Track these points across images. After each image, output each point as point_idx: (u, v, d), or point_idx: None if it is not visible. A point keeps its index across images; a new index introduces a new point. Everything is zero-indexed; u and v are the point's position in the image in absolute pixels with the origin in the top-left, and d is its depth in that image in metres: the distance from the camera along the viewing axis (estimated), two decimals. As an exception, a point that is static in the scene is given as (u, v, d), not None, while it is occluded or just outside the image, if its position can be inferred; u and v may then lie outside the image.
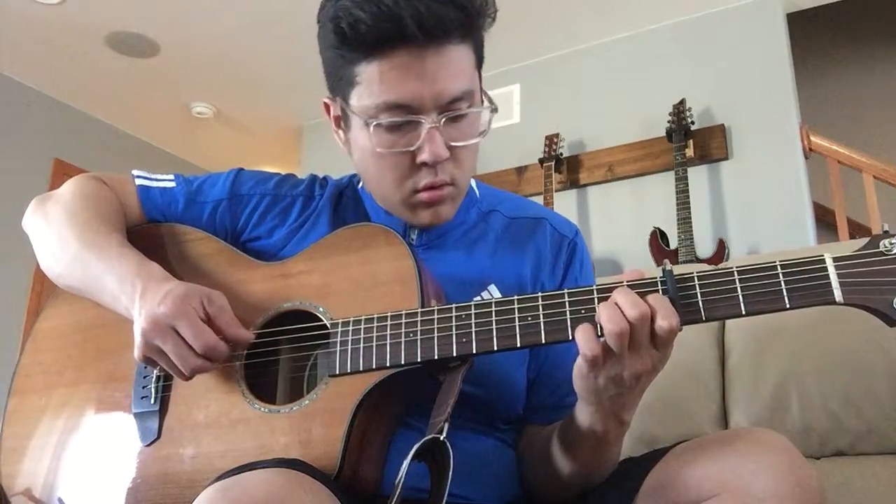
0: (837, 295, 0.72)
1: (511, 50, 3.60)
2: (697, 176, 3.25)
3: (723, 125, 3.30)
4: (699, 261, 2.94)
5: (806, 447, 1.35)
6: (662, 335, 0.73)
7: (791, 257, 0.75)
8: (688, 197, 3.03)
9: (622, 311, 0.73)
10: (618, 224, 3.37)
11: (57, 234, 0.97)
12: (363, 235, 0.92)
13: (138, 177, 1.06)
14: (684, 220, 3.00)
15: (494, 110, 0.93)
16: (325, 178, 1.09)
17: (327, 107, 0.99)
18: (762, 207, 3.14)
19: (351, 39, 0.86)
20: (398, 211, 0.96)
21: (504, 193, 1.11)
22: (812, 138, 3.17)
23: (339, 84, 0.92)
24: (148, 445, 0.89)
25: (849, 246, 1.57)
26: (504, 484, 0.96)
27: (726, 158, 3.27)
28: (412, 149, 0.88)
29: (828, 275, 0.73)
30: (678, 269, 0.79)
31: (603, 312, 0.74)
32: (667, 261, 0.79)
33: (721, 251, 3.06)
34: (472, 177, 0.98)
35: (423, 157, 0.88)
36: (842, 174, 3.13)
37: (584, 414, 0.82)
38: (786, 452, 0.72)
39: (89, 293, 0.94)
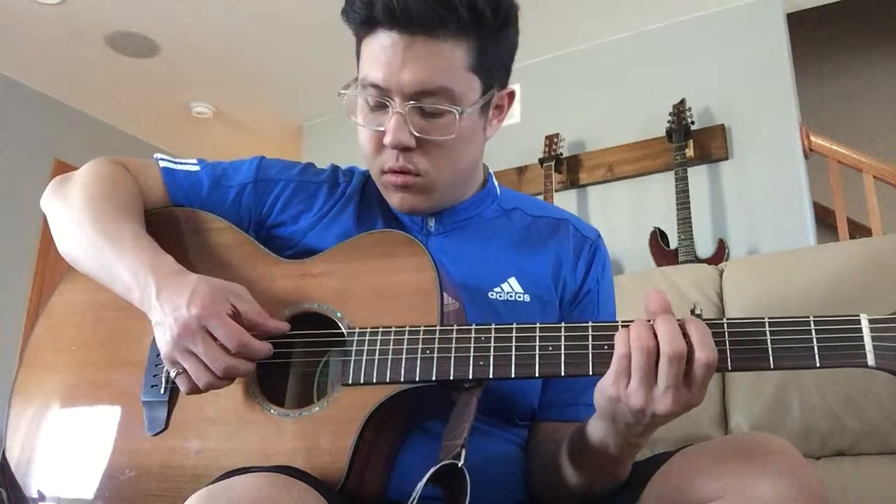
0: (870, 359, 0.70)
1: (511, 50, 3.59)
2: (697, 176, 3.25)
3: (723, 125, 3.30)
4: (699, 261, 2.94)
5: (806, 447, 1.36)
6: (698, 371, 0.71)
7: (826, 314, 0.73)
8: (688, 197, 3.03)
9: (656, 337, 0.71)
10: (618, 224, 3.37)
11: (74, 218, 0.96)
12: (387, 242, 0.91)
13: (162, 160, 1.06)
14: (684, 220, 3.00)
15: (461, 113, 0.91)
16: (350, 169, 1.10)
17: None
18: (762, 207, 3.14)
19: (349, 12, 0.93)
20: (380, 188, 1.00)
21: (526, 196, 1.13)
22: (812, 138, 3.17)
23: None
24: (154, 435, 0.89)
25: (851, 246, 1.58)
26: (514, 488, 0.95)
27: (726, 158, 3.27)
28: (382, 128, 0.92)
29: (862, 336, 0.71)
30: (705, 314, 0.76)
31: (635, 328, 0.72)
32: (696, 304, 0.76)
33: (721, 251, 3.06)
34: (457, 173, 0.98)
35: (385, 139, 0.91)
36: (842, 174, 3.12)
37: (597, 429, 0.81)
38: (789, 457, 0.72)
39: (102, 280, 0.93)
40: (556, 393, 0.98)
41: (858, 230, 3.38)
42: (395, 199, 0.97)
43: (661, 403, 0.72)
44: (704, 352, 0.70)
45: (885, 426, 1.32)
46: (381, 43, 0.89)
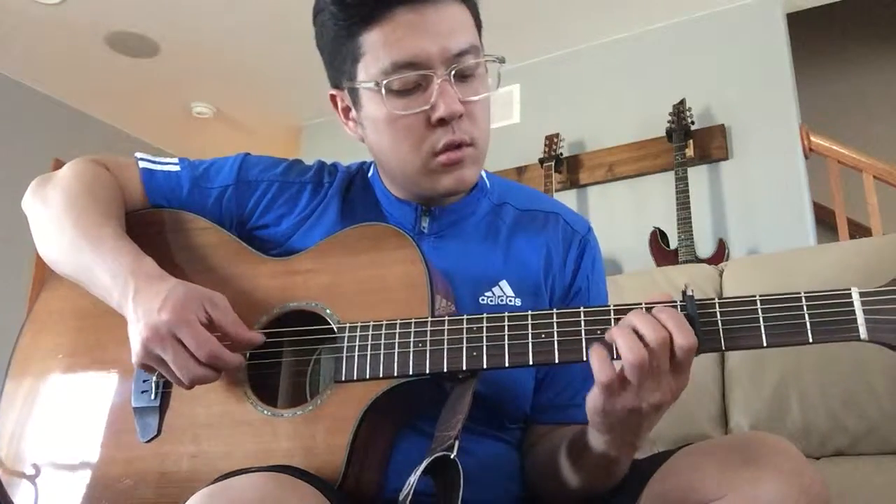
0: (862, 332, 0.70)
1: (511, 50, 3.59)
2: (697, 176, 3.25)
3: (723, 125, 3.30)
4: (699, 261, 2.93)
5: (806, 447, 1.36)
6: (681, 356, 0.71)
7: (817, 290, 0.73)
8: (688, 197, 3.02)
9: (641, 337, 0.71)
10: (618, 224, 3.37)
11: (54, 220, 0.95)
12: (373, 236, 0.89)
13: (142, 160, 1.03)
14: (684, 220, 3.00)
15: (501, 61, 0.92)
16: (333, 165, 1.07)
17: (333, 100, 0.99)
18: (762, 207, 3.14)
19: (351, 5, 0.88)
20: (418, 181, 0.94)
21: (514, 185, 1.09)
22: (812, 138, 3.17)
23: (344, 66, 0.92)
24: (147, 442, 0.88)
25: (850, 246, 1.58)
26: (509, 486, 0.95)
27: (726, 158, 3.27)
28: (426, 107, 0.88)
29: (854, 310, 0.71)
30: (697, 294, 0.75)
31: (620, 340, 0.72)
32: (688, 285, 0.76)
33: (721, 251, 3.05)
34: (489, 134, 0.96)
35: (439, 112, 0.87)
36: (842, 174, 3.12)
37: (596, 439, 0.80)
38: (791, 457, 0.72)
39: (82, 283, 0.92)
40: (551, 396, 0.97)
41: (858, 230, 3.38)
42: (448, 181, 0.92)
43: (655, 396, 0.72)
44: (684, 338, 0.71)
45: (885, 426, 1.32)
46: (401, 21, 0.86)
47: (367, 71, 0.89)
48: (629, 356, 0.70)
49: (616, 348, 0.72)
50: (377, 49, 0.88)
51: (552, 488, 0.92)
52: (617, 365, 0.73)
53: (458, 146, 0.90)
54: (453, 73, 0.88)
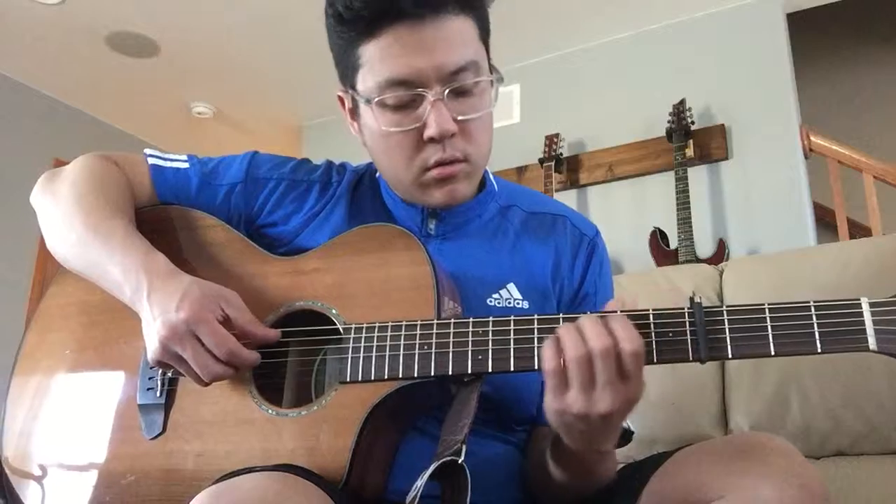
0: (872, 343, 0.69)
1: (511, 50, 3.60)
2: (697, 176, 3.25)
3: (723, 125, 3.30)
4: (699, 261, 2.93)
5: (806, 447, 1.35)
6: (627, 361, 0.70)
7: (826, 299, 0.72)
8: (688, 197, 3.03)
9: (586, 340, 0.71)
10: (618, 224, 3.37)
11: (63, 215, 0.95)
12: (380, 237, 0.89)
13: (151, 156, 1.03)
14: (684, 220, 3.00)
15: (500, 79, 0.91)
16: (342, 165, 1.07)
17: (341, 100, 0.99)
18: (762, 207, 3.14)
19: (348, 20, 0.87)
20: (412, 192, 0.94)
21: (522, 188, 1.09)
22: (812, 138, 3.17)
23: (347, 72, 0.92)
24: (152, 439, 0.88)
25: (851, 246, 1.58)
26: (513, 489, 0.95)
27: (726, 158, 3.27)
28: (418, 125, 0.87)
29: (863, 320, 0.70)
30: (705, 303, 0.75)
31: (565, 337, 0.72)
32: (695, 292, 0.76)
33: (721, 251, 3.06)
34: (489, 150, 0.95)
35: (430, 131, 0.87)
36: (842, 174, 3.12)
37: (564, 440, 0.79)
38: (790, 457, 0.72)
39: (92, 278, 0.92)
40: None
41: (858, 230, 3.38)
42: (439, 195, 0.92)
43: (602, 403, 0.71)
44: (629, 342, 0.70)
45: (885, 426, 1.32)
46: (398, 37, 0.85)
47: (364, 83, 0.89)
48: (570, 352, 0.71)
49: (563, 347, 0.72)
50: (373, 63, 0.88)
51: (546, 487, 0.91)
52: None
53: (450, 162, 0.90)
54: (447, 91, 0.87)
